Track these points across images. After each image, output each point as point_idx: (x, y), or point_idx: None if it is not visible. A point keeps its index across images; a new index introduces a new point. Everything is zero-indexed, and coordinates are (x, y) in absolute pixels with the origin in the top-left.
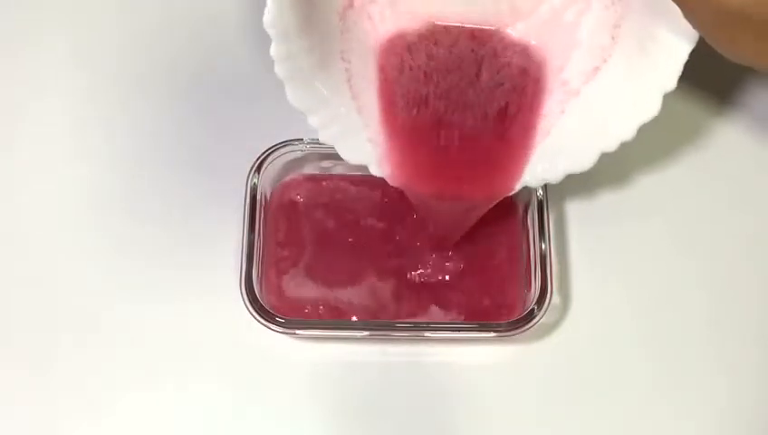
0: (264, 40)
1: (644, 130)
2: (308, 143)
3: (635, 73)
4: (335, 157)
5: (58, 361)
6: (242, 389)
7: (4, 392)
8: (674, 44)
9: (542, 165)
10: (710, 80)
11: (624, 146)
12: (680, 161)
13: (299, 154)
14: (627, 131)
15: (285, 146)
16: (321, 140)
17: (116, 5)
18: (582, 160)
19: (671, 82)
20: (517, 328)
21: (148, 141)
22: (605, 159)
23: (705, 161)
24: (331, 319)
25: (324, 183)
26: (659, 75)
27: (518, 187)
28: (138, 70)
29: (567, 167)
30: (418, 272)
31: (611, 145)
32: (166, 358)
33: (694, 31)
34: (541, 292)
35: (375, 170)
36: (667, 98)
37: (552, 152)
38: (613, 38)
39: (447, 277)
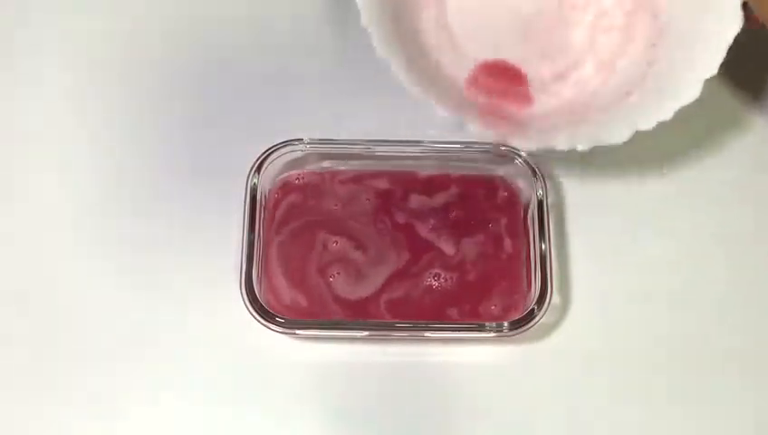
0: (265, 41)
1: (647, 134)
2: (308, 143)
3: (678, 58)
4: (335, 157)
5: (58, 361)
6: (242, 389)
7: (4, 392)
8: (717, 33)
9: (576, 136)
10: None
11: (626, 147)
12: (681, 165)
13: (299, 154)
14: (665, 113)
15: (285, 146)
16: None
17: (116, 5)
18: (615, 134)
19: (712, 69)
20: (517, 328)
21: (148, 142)
22: (605, 160)
23: (705, 166)
24: (330, 319)
25: (324, 182)
26: (701, 62)
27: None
28: (138, 70)
29: (599, 138)
30: (419, 272)
31: (648, 123)
32: (166, 358)
33: (737, 19)
34: (541, 292)
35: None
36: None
37: (587, 124)
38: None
39: (448, 277)
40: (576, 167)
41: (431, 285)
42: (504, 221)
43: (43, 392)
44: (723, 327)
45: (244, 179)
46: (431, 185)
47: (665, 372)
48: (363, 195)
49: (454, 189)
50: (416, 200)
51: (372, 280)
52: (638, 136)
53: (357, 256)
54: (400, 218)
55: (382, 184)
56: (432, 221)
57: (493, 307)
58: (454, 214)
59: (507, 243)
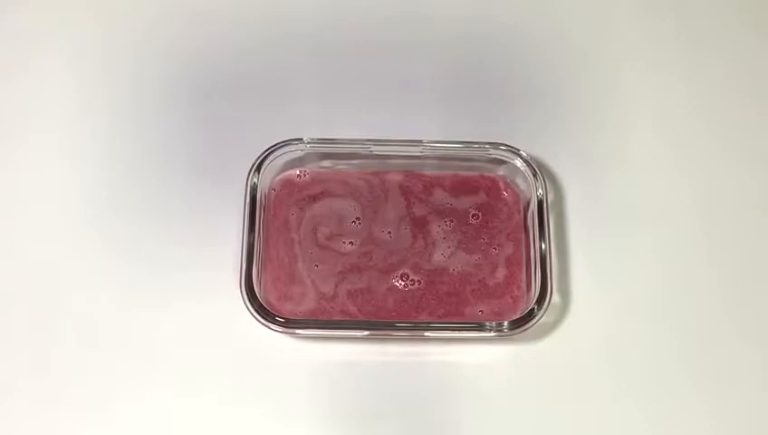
0: (265, 39)
1: (647, 137)
2: (308, 143)
3: None
4: (335, 156)
5: (59, 361)
6: (242, 388)
7: (4, 392)
8: None
9: None
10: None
11: (625, 148)
12: (681, 166)
13: (299, 154)
14: None
15: (285, 146)
16: None
17: (116, 5)
18: None
19: None
20: (517, 328)
21: (148, 142)
22: (607, 160)
23: (704, 167)
24: (331, 319)
25: (324, 181)
26: None
27: None
28: (137, 70)
29: None
30: (418, 271)
31: None
32: (166, 358)
33: None
34: (541, 292)
35: None
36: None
37: None
38: None
39: (448, 277)
40: (577, 166)
41: (431, 284)
42: (505, 222)
43: (42, 391)
44: (723, 327)
45: (243, 179)
46: (435, 183)
47: (664, 372)
48: (362, 192)
49: (477, 194)
50: (439, 196)
51: (374, 277)
52: (640, 139)
53: (358, 254)
54: (419, 211)
55: (383, 180)
56: (449, 221)
57: (493, 307)
58: (474, 220)
59: (508, 243)
